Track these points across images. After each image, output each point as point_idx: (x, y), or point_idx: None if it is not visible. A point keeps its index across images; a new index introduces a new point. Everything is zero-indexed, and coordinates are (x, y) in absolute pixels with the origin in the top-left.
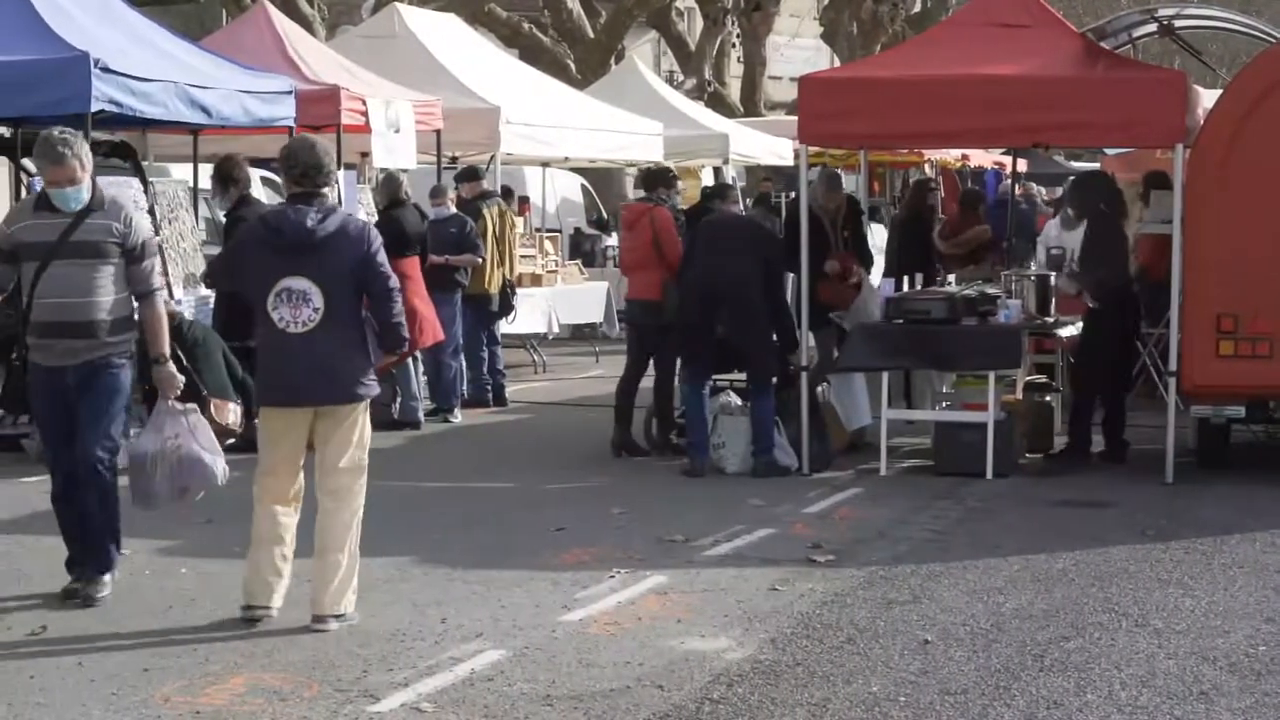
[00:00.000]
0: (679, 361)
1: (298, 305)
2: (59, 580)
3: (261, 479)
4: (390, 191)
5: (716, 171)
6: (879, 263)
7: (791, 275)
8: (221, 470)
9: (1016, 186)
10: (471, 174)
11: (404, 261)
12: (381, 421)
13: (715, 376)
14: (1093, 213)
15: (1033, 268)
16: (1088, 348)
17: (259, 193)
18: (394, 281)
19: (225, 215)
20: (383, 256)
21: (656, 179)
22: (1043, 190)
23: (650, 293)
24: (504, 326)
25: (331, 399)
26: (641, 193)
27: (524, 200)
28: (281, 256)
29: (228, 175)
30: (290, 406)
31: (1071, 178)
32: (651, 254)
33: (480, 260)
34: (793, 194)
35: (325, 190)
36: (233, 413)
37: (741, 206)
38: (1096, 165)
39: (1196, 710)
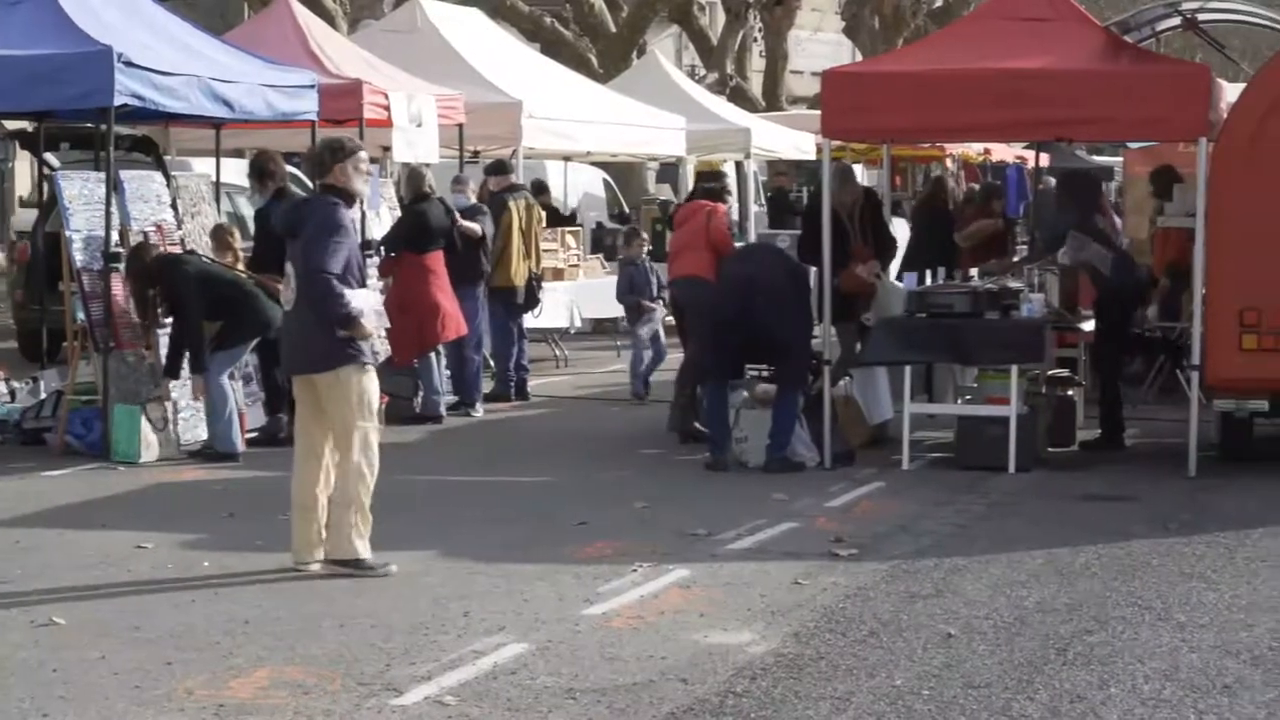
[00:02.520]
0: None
1: (286, 285)
2: (84, 573)
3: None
4: (415, 186)
5: (738, 166)
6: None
7: (813, 269)
8: None
9: (1052, 180)
10: (500, 168)
11: (428, 256)
12: (403, 415)
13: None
14: (1079, 213)
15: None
16: (1100, 338)
17: None
18: (316, 263)
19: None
20: (321, 240)
21: (716, 194)
22: None
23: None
24: (528, 321)
25: (303, 369)
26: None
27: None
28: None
29: (263, 170)
30: (289, 376)
31: (1059, 175)
32: (703, 239)
33: (479, 232)
34: (810, 188)
35: (324, 180)
36: None
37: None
38: (1119, 159)
39: (1220, 703)
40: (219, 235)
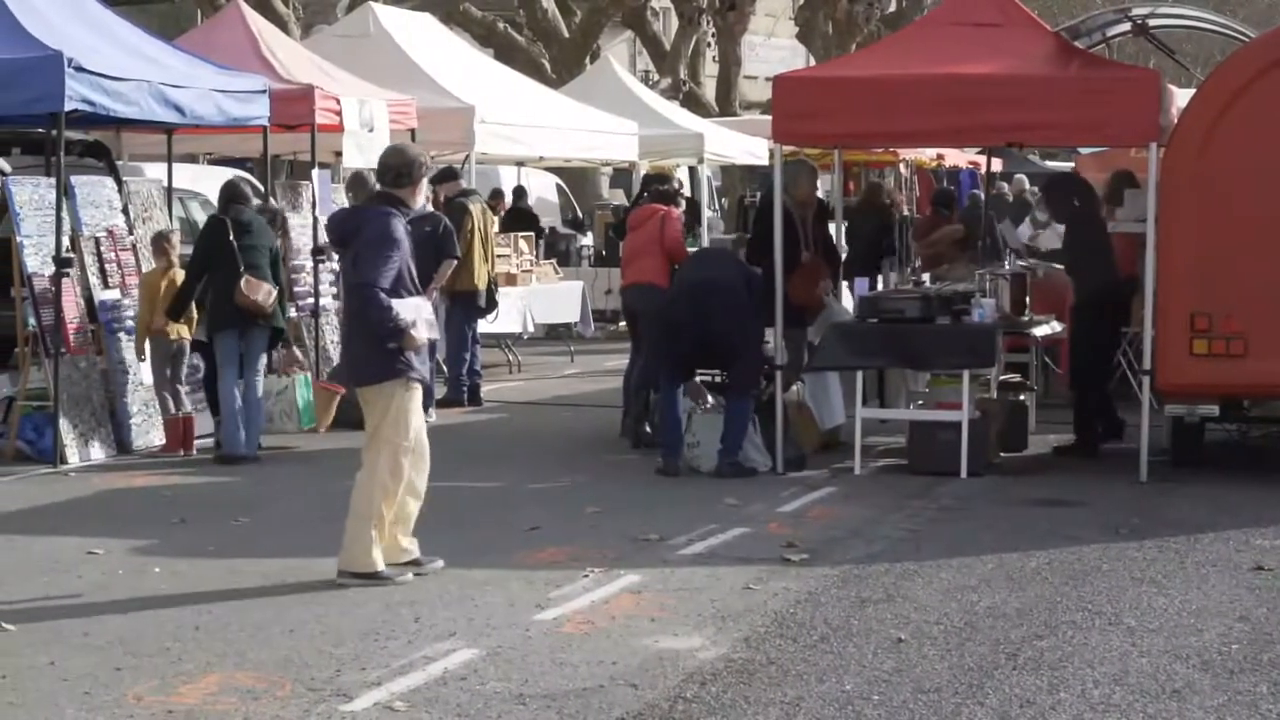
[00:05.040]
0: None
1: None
2: (33, 579)
3: None
4: (366, 190)
5: (691, 171)
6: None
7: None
8: None
9: (1005, 185)
10: (449, 174)
11: None
12: (354, 421)
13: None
14: (1069, 213)
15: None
16: (1081, 342)
17: None
18: (363, 276)
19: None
20: (371, 252)
21: (669, 196)
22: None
23: (650, 277)
24: (481, 326)
25: (354, 382)
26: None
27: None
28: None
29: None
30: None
31: (1045, 179)
32: (657, 245)
33: (456, 260)
34: (759, 194)
35: (394, 191)
36: (265, 292)
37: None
38: (1070, 165)
39: (1169, 708)
40: (157, 242)
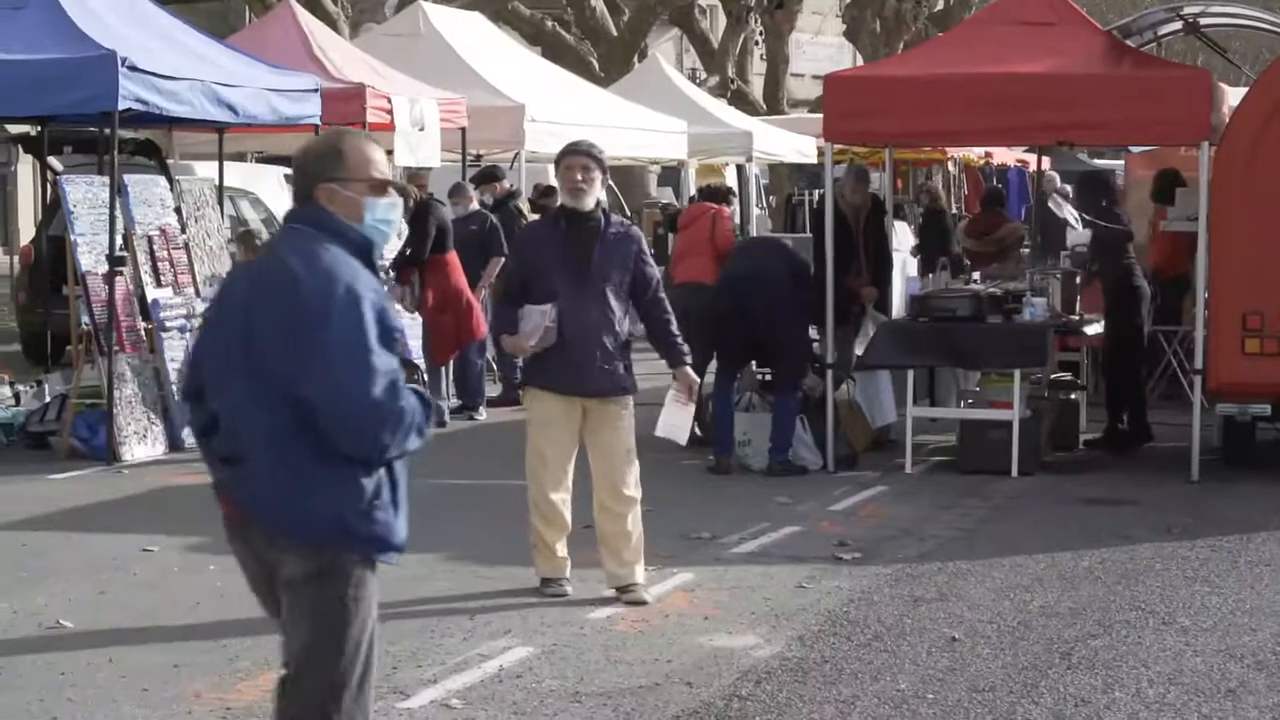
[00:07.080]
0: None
1: None
2: (90, 576)
3: None
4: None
5: (739, 169)
6: (898, 262)
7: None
8: None
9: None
10: (490, 175)
11: (449, 254)
12: None
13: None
14: (1096, 212)
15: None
16: (1113, 339)
17: (279, 191)
18: None
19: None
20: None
21: (720, 195)
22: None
23: (700, 275)
24: None
25: None
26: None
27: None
28: None
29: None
30: None
31: (1077, 177)
32: (708, 244)
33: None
34: (817, 192)
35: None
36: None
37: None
38: (1120, 163)
39: (1223, 707)
40: (247, 239)
